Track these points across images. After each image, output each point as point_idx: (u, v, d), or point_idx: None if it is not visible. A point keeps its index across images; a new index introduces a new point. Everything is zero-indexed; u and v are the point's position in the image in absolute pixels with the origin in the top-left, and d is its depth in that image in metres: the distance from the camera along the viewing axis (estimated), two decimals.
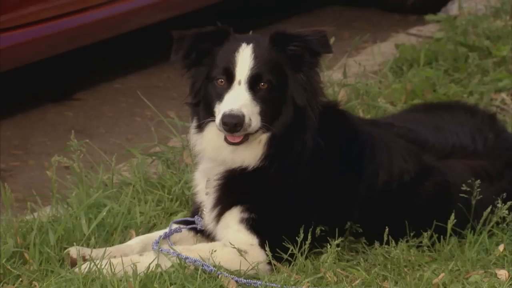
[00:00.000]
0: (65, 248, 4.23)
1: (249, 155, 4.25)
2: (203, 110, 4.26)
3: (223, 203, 4.29)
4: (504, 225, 4.45)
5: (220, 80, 4.16)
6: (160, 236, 4.25)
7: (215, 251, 4.15)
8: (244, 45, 4.21)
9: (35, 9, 5.18)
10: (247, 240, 4.22)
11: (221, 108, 4.10)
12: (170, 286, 4.03)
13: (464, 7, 6.70)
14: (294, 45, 4.24)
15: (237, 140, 4.12)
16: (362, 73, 5.74)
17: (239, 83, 4.12)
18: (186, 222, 4.41)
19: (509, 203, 4.39)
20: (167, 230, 4.32)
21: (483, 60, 6.00)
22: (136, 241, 4.34)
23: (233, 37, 4.32)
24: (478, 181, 4.37)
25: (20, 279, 4.17)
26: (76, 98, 5.85)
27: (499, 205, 4.38)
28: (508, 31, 6.20)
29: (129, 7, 5.77)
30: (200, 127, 4.28)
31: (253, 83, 4.14)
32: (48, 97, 5.66)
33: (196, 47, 4.30)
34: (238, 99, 4.07)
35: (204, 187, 4.35)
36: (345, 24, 6.57)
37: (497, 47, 6.09)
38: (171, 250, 4.16)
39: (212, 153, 4.30)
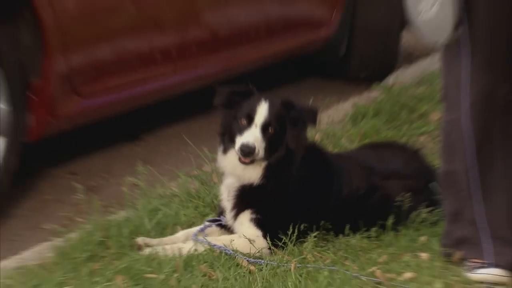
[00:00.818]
0: (134, 238, 4.27)
1: (253, 173, 4.30)
2: (227, 140, 4.31)
3: (238, 207, 4.34)
4: (426, 223, 4.45)
5: (243, 121, 4.22)
6: (197, 230, 4.31)
7: (233, 240, 4.21)
8: (263, 101, 4.28)
9: (117, 81, 5.15)
10: (254, 233, 4.25)
11: (241, 140, 4.16)
12: (204, 263, 4.03)
13: (399, 78, 6.72)
14: (295, 112, 4.30)
15: (247, 161, 4.18)
16: (331, 122, 5.67)
17: (256, 126, 4.18)
18: (214, 221, 4.45)
19: (428, 209, 4.46)
20: (202, 226, 4.38)
21: (411, 114, 5.96)
22: (181, 234, 4.40)
23: (256, 94, 4.38)
24: (408, 194, 4.42)
25: (104, 259, 4.16)
26: (141, 138, 5.89)
27: (421, 210, 4.43)
28: (427, 94, 6.17)
29: (184, 78, 5.71)
30: (225, 151, 4.35)
31: (264, 128, 4.20)
32: (123, 137, 5.67)
33: (230, 98, 4.35)
34: (253, 136, 4.13)
35: (226, 196, 4.38)
36: (320, 90, 6.26)
37: (419, 105, 6.07)
38: (204, 240, 4.22)
39: (231, 169, 4.34)
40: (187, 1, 5.43)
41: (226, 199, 4.40)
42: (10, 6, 4.53)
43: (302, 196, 4.42)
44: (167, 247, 4.26)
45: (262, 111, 4.27)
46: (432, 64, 5.96)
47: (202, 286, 3.90)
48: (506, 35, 3.97)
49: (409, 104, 5.84)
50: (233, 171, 4.36)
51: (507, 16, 3.93)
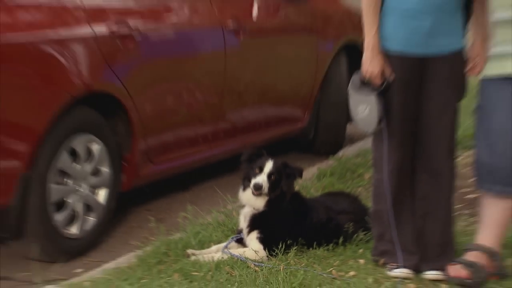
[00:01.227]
0: (185, 250, 4.34)
1: (260, 203, 4.22)
2: (246, 182, 4.23)
3: (250, 228, 4.26)
4: (362, 241, 4.43)
5: (256, 170, 4.19)
6: (224, 245, 4.29)
7: (245, 251, 4.22)
8: (270, 160, 4.25)
9: (175, 155, 5.22)
10: (258, 247, 4.22)
11: (254, 181, 4.15)
12: (227, 266, 4.07)
13: (345, 153, 6.56)
14: (288, 169, 4.30)
15: (257, 193, 4.17)
16: (304, 179, 5.30)
17: (264, 173, 4.16)
18: (234, 238, 4.39)
19: (363, 233, 4.51)
20: (226, 243, 4.33)
21: (352, 174, 5.96)
22: (213, 248, 4.34)
23: (265, 155, 4.35)
24: (351, 223, 4.46)
25: (166, 263, 4.23)
26: (189, 188, 5.81)
27: (359, 233, 4.48)
28: (362, 162, 6.08)
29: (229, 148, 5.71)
30: (244, 189, 4.26)
31: (269, 175, 4.16)
32: (179, 187, 5.78)
33: (250, 157, 4.34)
34: (262, 179, 4.13)
35: (243, 221, 4.33)
36: (297, 159, 6.18)
37: (358, 169, 6.00)
38: (228, 251, 4.23)
39: (247, 200, 4.27)
40: (217, 107, 5.42)
41: (243, 223, 4.37)
42: (112, 110, 4.59)
43: (288, 222, 4.35)
44: (205, 256, 4.26)
45: (268, 165, 4.25)
46: (366, 144, 5.99)
47: (226, 280, 3.89)
48: (408, 128, 3.96)
49: (352, 168, 5.82)
50: (248, 201, 4.31)
51: (407, 117, 3.94)
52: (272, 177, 4.28)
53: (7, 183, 4.16)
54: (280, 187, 4.32)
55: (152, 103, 5.00)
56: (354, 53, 6.51)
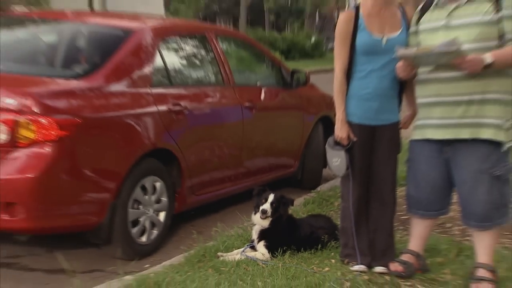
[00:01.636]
0: (216, 253, 4.29)
1: (266, 222, 4.17)
2: (256, 208, 4.18)
3: (259, 239, 4.21)
4: (334, 247, 4.34)
5: (263, 200, 4.13)
6: (242, 250, 4.25)
7: (256, 254, 4.19)
8: (271, 193, 4.22)
9: (211, 189, 5.27)
10: (265, 251, 4.19)
11: (261, 207, 4.12)
12: (244, 263, 4.05)
13: (322, 188, 6.34)
14: (284, 199, 4.27)
15: (263, 217, 4.14)
16: (295, 206, 5.17)
17: (268, 203, 4.12)
18: (249, 245, 4.31)
19: (334, 241, 4.44)
20: (243, 248, 4.27)
21: (326, 202, 5.77)
22: (235, 252, 4.27)
23: (268, 190, 4.30)
24: (326, 235, 4.45)
25: (203, 262, 4.19)
26: (220, 211, 5.72)
27: (331, 242, 4.42)
28: (334, 194, 5.83)
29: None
30: (255, 213, 4.19)
31: (271, 204, 4.12)
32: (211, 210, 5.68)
33: (258, 191, 4.31)
34: (267, 207, 4.10)
35: (255, 234, 4.28)
36: (289, 194, 6.03)
37: (331, 199, 5.78)
38: (245, 254, 4.20)
39: (257, 221, 4.21)
40: (238, 158, 5.49)
41: (254, 235, 4.33)
42: (169, 160, 4.71)
43: (284, 234, 4.32)
44: (229, 257, 4.22)
45: (271, 197, 4.21)
46: (335, 182, 5.90)
47: (243, 273, 3.85)
48: (365, 173, 3.96)
49: (326, 199, 5.72)
50: (258, 221, 4.27)
51: (364, 165, 3.94)
52: (274, 205, 4.24)
53: (101, 208, 4.18)
54: (279, 212, 4.30)
55: (195, 155, 5.00)
56: (327, 122, 6.60)
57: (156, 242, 4.71)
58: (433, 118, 3.56)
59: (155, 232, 4.69)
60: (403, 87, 3.95)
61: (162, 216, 4.72)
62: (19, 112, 3.64)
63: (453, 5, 3.40)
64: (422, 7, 3.67)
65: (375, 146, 3.96)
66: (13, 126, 3.61)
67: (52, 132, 3.67)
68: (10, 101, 3.65)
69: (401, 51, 3.51)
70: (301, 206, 5.55)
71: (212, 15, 49.61)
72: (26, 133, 3.63)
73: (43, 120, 3.66)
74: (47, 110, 3.71)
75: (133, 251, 4.46)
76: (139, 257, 4.48)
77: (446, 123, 3.50)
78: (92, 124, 4.04)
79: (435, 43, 3.33)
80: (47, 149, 3.69)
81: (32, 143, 3.65)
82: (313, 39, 32.79)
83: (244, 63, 6.39)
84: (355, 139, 3.90)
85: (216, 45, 5.47)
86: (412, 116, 3.98)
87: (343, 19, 3.83)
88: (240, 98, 5.56)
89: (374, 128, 3.91)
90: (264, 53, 6.38)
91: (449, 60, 3.27)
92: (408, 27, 3.77)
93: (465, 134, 3.45)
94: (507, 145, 3.43)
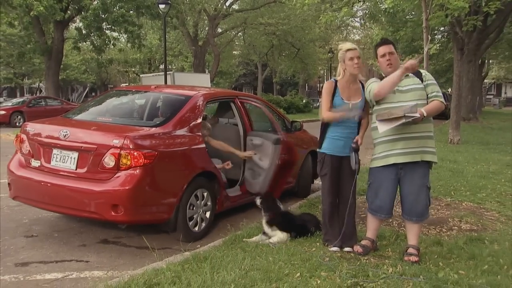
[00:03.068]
0: (243, 239, 4.10)
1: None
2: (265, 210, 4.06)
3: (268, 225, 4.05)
4: (318, 235, 4.08)
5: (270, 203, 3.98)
6: (260, 237, 4.09)
7: (267, 239, 4.06)
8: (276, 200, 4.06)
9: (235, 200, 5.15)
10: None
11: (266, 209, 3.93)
12: (260, 246, 3.92)
13: (312, 196, 6.13)
14: (278, 202, 4.18)
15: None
16: (292, 208, 5.17)
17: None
18: (263, 233, 4.07)
19: (318, 231, 4.21)
20: (260, 235, 4.08)
21: (313, 206, 5.44)
22: (255, 238, 4.09)
23: (275, 199, 4.22)
24: (313, 227, 4.27)
25: (239, 244, 4.02)
26: (246, 211, 5.37)
27: (317, 231, 4.22)
28: (319, 201, 5.54)
29: None
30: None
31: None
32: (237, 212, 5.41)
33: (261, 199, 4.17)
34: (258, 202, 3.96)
35: (265, 226, 4.10)
36: (288, 199, 6.04)
37: (317, 204, 5.51)
38: (270, 242, 4.01)
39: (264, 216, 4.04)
40: None
41: (265, 227, 4.17)
42: (212, 177, 4.66)
43: (285, 225, 4.19)
44: (251, 241, 4.07)
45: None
46: (319, 194, 5.81)
47: (260, 251, 3.73)
48: (336, 185, 3.88)
49: (314, 204, 5.46)
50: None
51: (336, 180, 3.84)
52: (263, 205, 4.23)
53: (170, 208, 4.21)
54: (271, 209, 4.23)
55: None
56: (314, 154, 6.26)
57: (204, 231, 4.62)
58: (397, 149, 3.49)
59: (203, 225, 4.61)
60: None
61: (208, 214, 4.64)
62: (121, 148, 3.91)
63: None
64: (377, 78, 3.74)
65: (342, 169, 3.84)
66: (118, 157, 3.91)
67: (140, 161, 3.91)
68: (116, 141, 3.93)
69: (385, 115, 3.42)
70: (297, 208, 5.40)
71: (240, 85, 50.08)
72: (125, 161, 3.91)
73: (135, 153, 3.92)
74: (137, 147, 3.94)
75: (189, 237, 4.42)
76: (193, 241, 4.42)
77: (405, 151, 3.49)
78: (165, 155, 4.11)
79: (399, 103, 3.43)
80: (137, 171, 3.92)
81: (128, 167, 3.90)
82: (304, 100, 32.88)
83: (260, 116, 6.24)
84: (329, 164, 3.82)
85: (241, 105, 5.43)
86: (360, 137, 3.81)
87: (327, 84, 3.81)
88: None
89: (341, 157, 3.82)
90: (273, 109, 6.29)
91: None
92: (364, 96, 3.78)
93: (417, 158, 3.49)
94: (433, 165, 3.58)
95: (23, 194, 4.26)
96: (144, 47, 22.44)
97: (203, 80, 25.94)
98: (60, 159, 4.10)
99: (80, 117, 4.68)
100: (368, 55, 44.13)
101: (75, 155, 4.02)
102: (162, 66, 34.38)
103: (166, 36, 20.88)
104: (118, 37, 20.46)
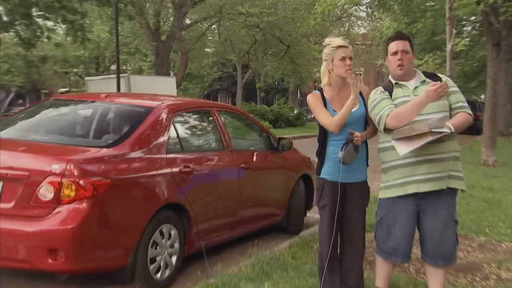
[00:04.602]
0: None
1: None
2: None
3: None
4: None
5: None
6: None
7: None
8: None
9: (215, 235, 5.34)
10: None
11: None
12: None
13: (306, 232, 6.15)
14: None
15: None
16: (280, 249, 5.29)
17: None
18: None
19: None
20: None
21: (307, 247, 5.54)
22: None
23: None
24: None
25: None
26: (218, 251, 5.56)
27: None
28: (314, 239, 5.53)
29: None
30: None
31: None
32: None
33: None
34: None
35: None
36: (274, 236, 6.21)
37: (311, 243, 5.53)
38: None
39: None
40: (234, 209, 5.50)
41: None
42: (181, 211, 4.76)
43: None
44: None
45: None
46: (315, 228, 5.75)
47: None
48: (337, 223, 3.82)
49: (307, 242, 5.49)
50: None
51: (337, 217, 3.80)
52: None
53: (126, 252, 4.20)
54: None
55: (201, 207, 4.97)
56: (307, 178, 6.72)
57: (168, 280, 4.62)
58: (419, 174, 3.47)
59: (167, 272, 4.60)
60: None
61: (174, 259, 4.68)
62: (62, 175, 3.82)
63: (411, 85, 3.58)
64: (384, 87, 3.70)
65: (347, 199, 3.82)
66: (58, 187, 3.82)
67: (88, 191, 3.84)
68: (56, 166, 3.83)
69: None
70: (286, 249, 5.40)
71: (214, 92, 50.12)
72: (67, 192, 3.82)
73: (81, 182, 3.85)
74: (84, 173, 3.90)
75: (150, 287, 4.38)
76: None
77: (430, 177, 3.44)
78: (119, 184, 4.13)
79: (419, 116, 3.39)
80: (84, 205, 3.85)
81: (72, 200, 3.82)
82: (295, 111, 33.11)
83: (240, 132, 6.43)
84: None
85: (218, 118, 5.56)
86: (363, 136, 3.76)
87: (312, 96, 3.81)
88: (237, 160, 5.59)
89: (345, 185, 3.79)
90: (256, 124, 6.45)
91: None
92: (365, 103, 3.76)
93: (443, 185, 3.46)
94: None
95: None
96: (89, 41, 22.28)
97: (167, 86, 26.02)
98: None
99: (4, 134, 4.54)
100: (377, 54, 44.75)
101: None
102: (113, 67, 34.28)
103: (119, 28, 20.93)
104: (54, 27, 20.04)
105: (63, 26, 19.23)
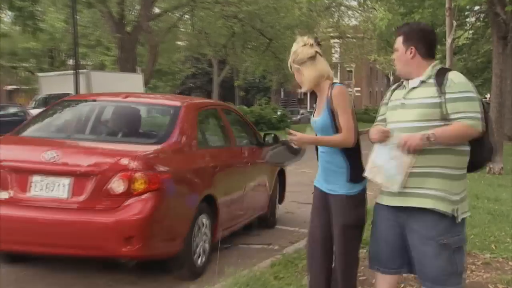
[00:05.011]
0: None
1: None
2: None
3: None
4: None
5: None
6: None
7: None
8: None
9: (231, 224, 6.46)
10: None
11: None
12: None
13: (289, 249, 6.10)
14: None
15: None
16: (261, 267, 5.31)
17: None
18: None
19: None
20: None
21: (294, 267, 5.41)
22: None
23: None
24: None
25: None
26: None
27: None
28: (299, 256, 5.46)
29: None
30: None
31: None
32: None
33: None
34: None
35: None
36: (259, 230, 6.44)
37: (296, 261, 5.42)
38: None
39: None
40: (240, 202, 6.65)
41: None
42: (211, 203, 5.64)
43: None
44: None
45: None
46: (300, 244, 5.80)
47: None
48: (322, 246, 3.82)
49: (291, 260, 5.45)
50: None
51: (320, 235, 3.82)
52: None
53: (181, 239, 5.09)
54: None
55: (223, 199, 5.87)
56: (281, 173, 7.93)
57: (204, 266, 5.48)
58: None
59: (204, 258, 5.49)
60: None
61: (207, 245, 5.59)
62: (134, 170, 4.70)
63: (411, 85, 3.56)
64: (393, 87, 3.74)
65: (329, 216, 3.75)
66: (130, 181, 4.65)
67: (156, 184, 4.71)
68: (126, 162, 4.70)
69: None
70: (268, 268, 5.35)
71: (187, 91, 50.04)
72: (138, 185, 4.67)
73: (150, 175, 4.75)
74: (151, 167, 4.84)
75: (194, 274, 5.29)
76: (196, 278, 5.28)
77: (400, 192, 3.45)
78: (177, 176, 5.13)
79: (395, 124, 3.50)
80: (153, 196, 4.70)
81: (142, 192, 4.67)
82: (278, 112, 33.27)
83: (238, 130, 7.26)
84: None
85: (224, 116, 6.68)
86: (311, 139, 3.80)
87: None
88: (243, 155, 6.70)
89: (325, 194, 3.76)
90: (244, 120, 7.47)
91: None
92: (330, 111, 3.67)
93: (412, 202, 3.46)
94: (461, 216, 3.43)
95: None
96: (41, 32, 22.11)
97: (133, 83, 25.95)
98: (45, 187, 4.67)
99: (49, 134, 5.57)
100: (370, 48, 45.06)
101: (66, 181, 4.65)
102: (71, 62, 34.02)
103: (77, 17, 20.80)
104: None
105: (11, 14, 18.88)
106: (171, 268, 5.20)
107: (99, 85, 24.00)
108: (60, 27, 31.91)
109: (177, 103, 5.81)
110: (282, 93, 53.59)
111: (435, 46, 3.56)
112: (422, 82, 3.49)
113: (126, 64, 27.44)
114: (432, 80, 3.45)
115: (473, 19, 23.09)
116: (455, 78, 3.41)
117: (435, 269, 3.50)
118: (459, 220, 3.46)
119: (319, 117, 3.70)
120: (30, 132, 5.55)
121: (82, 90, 21.69)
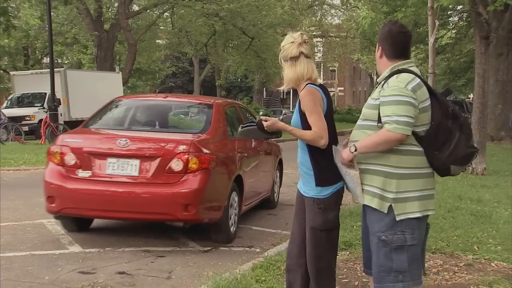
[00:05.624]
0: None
1: None
2: None
3: None
4: None
5: None
6: None
7: None
8: None
9: (250, 201, 7.99)
10: None
11: None
12: None
13: (271, 251, 6.02)
14: None
15: None
16: (242, 270, 5.34)
17: None
18: None
19: None
20: None
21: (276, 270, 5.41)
22: None
23: None
24: None
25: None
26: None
27: None
28: (282, 259, 5.32)
29: None
30: None
31: None
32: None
33: None
34: None
35: None
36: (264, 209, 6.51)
37: (278, 263, 5.37)
38: None
39: None
40: (256, 183, 8.16)
41: None
42: (239, 181, 7.14)
43: None
44: None
45: None
46: (282, 246, 5.75)
47: None
48: (300, 244, 3.84)
49: (273, 263, 5.38)
50: None
51: (298, 233, 3.86)
52: None
53: (222, 208, 6.50)
54: None
55: (247, 180, 7.34)
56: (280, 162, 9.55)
57: (234, 234, 6.93)
58: None
59: (234, 227, 6.92)
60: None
61: (236, 217, 7.00)
62: (188, 152, 6.18)
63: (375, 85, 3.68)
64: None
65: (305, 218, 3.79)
66: (186, 161, 6.14)
67: (205, 164, 6.20)
68: (183, 147, 6.18)
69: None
70: (249, 270, 5.31)
71: (168, 90, 49.82)
72: (192, 165, 6.15)
73: (201, 157, 6.24)
74: (201, 151, 6.27)
75: (229, 238, 6.74)
76: (230, 242, 6.72)
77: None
78: (219, 158, 6.51)
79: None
80: (203, 173, 6.22)
81: (195, 170, 6.16)
82: (261, 112, 33.26)
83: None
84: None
85: (240, 112, 8.35)
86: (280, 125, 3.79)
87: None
88: (256, 145, 8.03)
89: (302, 196, 3.81)
90: (249, 113, 9.15)
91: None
92: (299, 111, 3.69)
93: (361, 199, 3.55)
94: (402, 216, 3.43)
95: (76, 205, 6.10)
96: (15, 29, 21.76)
97: (111, 82, 25.72)
98: (118, 167, 6.08)
99: (118, 127, 6.94)
100: (353, 47, 45.13)
101: (136, 162, 6.08)
102: (46, 60, 33.68)
103: (53, 14, 20.53)
104: None
105: None
106: (211, 233, 6.62)
107: (75, 84, 23.75)
108: (35, 24, 31.37)
109: (210, 102, 7.37)
110: (265, 92, 53.56)
111: (406, 47, 3.55)
112: (378, 82, 3.57)
113: (104, 62, 27.22)
114: (383, 82, 3.48)
115: (456, 19, 23.16)
116: (391, 81, 3.41)
117: (375, 265, 3.55)
118: (398, 219, 3.42)
119: (293, 116, 3.75)
120: (97, 125, 6.89)
121: (58, 89, 21.42)
